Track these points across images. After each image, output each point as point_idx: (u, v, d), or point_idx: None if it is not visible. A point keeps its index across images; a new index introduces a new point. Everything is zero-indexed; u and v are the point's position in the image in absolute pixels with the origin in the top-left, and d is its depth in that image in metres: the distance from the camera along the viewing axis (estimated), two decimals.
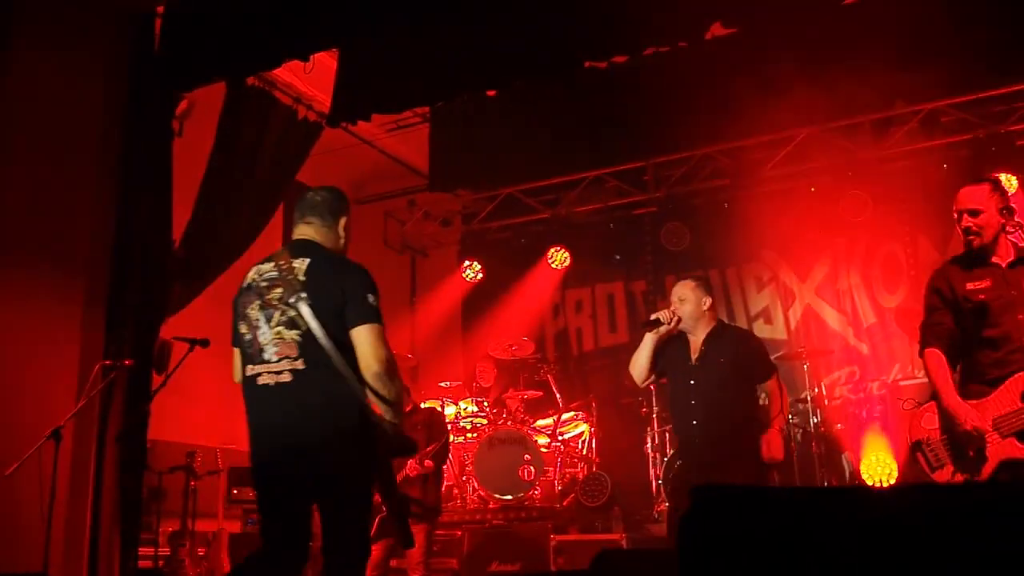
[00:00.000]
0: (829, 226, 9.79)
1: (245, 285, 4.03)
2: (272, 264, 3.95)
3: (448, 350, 11.37)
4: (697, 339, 5.36)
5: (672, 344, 5.45)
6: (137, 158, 7.07)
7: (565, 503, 8.52)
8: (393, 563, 6.71)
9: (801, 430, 8.19)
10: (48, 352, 6.39)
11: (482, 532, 7.97)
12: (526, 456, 8.37)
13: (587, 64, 7.09)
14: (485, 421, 9.01)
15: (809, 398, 8.30)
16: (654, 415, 8.72)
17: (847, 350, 9.91)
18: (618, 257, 11.00)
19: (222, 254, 7.62)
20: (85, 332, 6.62)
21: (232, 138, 7.66)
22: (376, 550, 6.47)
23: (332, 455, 3.75)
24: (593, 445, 8.98)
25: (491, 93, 8.82)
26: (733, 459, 5.08)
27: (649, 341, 5.39)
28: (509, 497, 8.31)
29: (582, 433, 9.11)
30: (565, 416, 9.08)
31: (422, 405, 7.50)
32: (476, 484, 8.48)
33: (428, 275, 12.38)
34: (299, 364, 3.76)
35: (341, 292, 3.85)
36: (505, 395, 9.21)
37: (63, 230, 6.63)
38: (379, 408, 3.74)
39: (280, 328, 3.80)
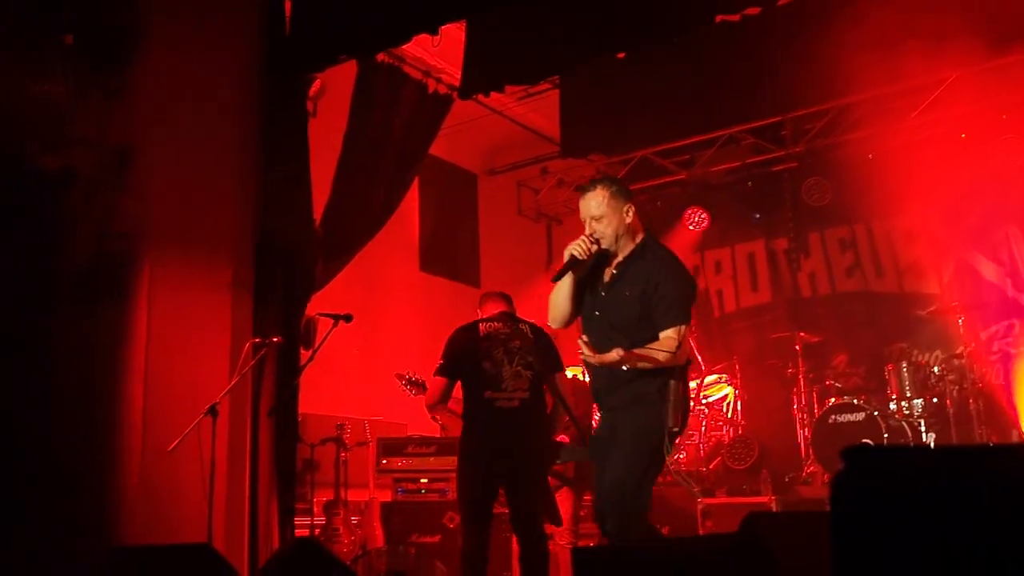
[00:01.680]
0: (982, 173, 9.31)
1: (483, 335, 5.66)
2: (502, 324, 5.67)
3: None
4: (617, 260, 4.39)
5: (594, 265, 4.45)
6: (275, 141, 7.26)
7: (711, 467, 8.42)
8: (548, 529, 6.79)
9: (957, 387, 7.86)
10: (201, 333, 6.64)
11: None
12: None
13: (719, 19, 6.90)
14: None
15: (965, 353, 7.95)
16: (800, 375, 8.52)
17: (1005, 302, 9.43)
18: (757, 216, 10.73)
19: (361, 230, 7.77)
20: (235, 312, 6.86)
21: (365, 115, 7.77)
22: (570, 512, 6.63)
23: (539, 457, 5.58)
24: (738, 408, 8.83)
25: (621, 55, 8.70)
26: (625, 416, 4.22)
27: (568, 279, 4.43)
28: None
29: (726, 396, 8.98)
30: (708, 379, 8.97)
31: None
32: None
33: (564, 242, 12.25)
34: (525, 395, 5.48)
35: (548, 348, 5.67)
36: None
37: (208, 215, 6.86)
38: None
39: (519, 368, 5.50)
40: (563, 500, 6.58)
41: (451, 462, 8.00)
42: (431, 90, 8.26)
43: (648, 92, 9.50)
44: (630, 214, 4.34)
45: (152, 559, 4.89)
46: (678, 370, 4.17)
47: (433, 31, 6.96)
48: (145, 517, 6.15)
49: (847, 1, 7.96)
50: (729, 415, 8.88)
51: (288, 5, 7.48)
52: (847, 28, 8.28)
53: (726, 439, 8.55)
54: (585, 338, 4.23)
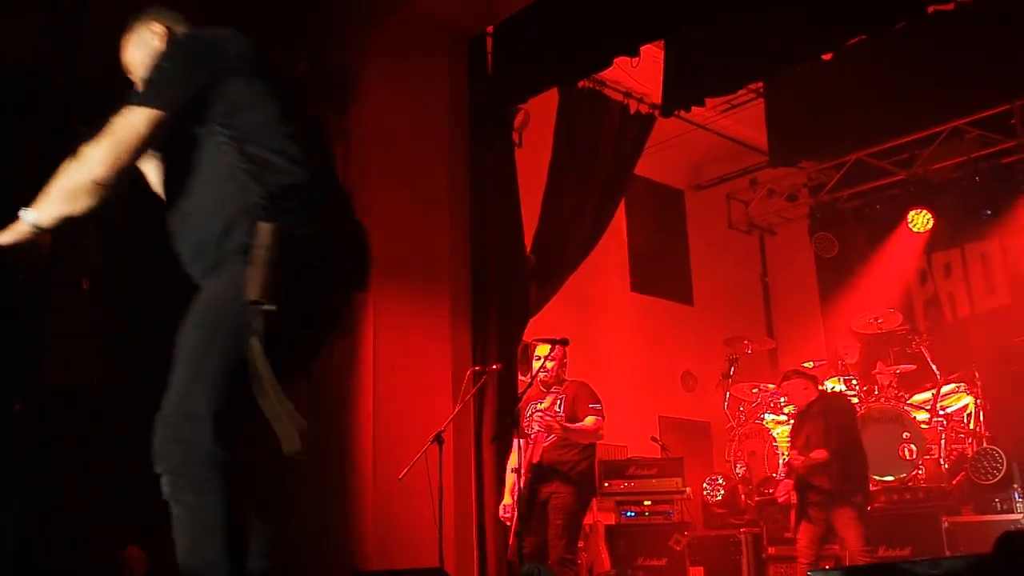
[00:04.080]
0: None
1: None
2: None
3: (807, 329, 10.99)
4: None
5: None
6: (484, 173, 7.47)
7: (954, 482, 7.92)
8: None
9: None
10: (423, 363, 6.88)
11: (866, 516, 7.61)
12: (905, 434, 7.89)
13: (931, 9, 6.56)
14: (856, 400, 8.60)
15: None
16: None
17: None
18: (988, 212, 10.08)
19: (572, 254, 7.85)
20: (454, 341, 7.08)
21: (569, 141, 7.87)
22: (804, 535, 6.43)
23: None
24: (981, 418, 8.28)
25: (827, 57, 8.41)
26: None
27: None
28: (890, 478, 7.86)
29: (966, 406, 8.42)
30: (945, 389, 8.44)
31: (822, 388, 7.34)
32: None
33: (778, 253, 12.03)
34: None
35: None
36: (874, 371, 8.74)
37: (425, 249, 7.12)
38: None
39: None
40: (843, 516, 6.38)
41: (674, 483, 7.94)
42: (632, 111, 8.27)
43: (858, 92, 9.11)
44: (158, 37, 2.92)
45: None
46: (261, 208, 2.57)
47: (633, 53, 6.98)
48: (380, 542, 6.40)
49: None
50: (971, 426, 8.33)
51: (489, 41, 7.69)
52: None
53: (969, 452, 8.02)
54: None
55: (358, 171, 7.03)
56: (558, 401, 6.10)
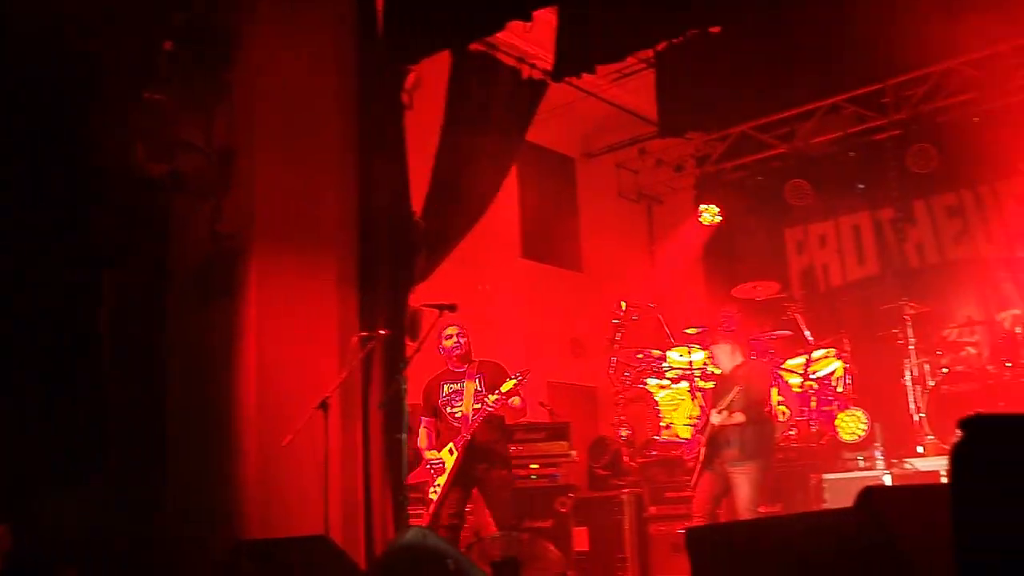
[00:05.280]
0: None
1: None
2: None
3: (691, 296, 11.22)
4: None
5: None
6: (373, 135, 7.37)
7: (822, 442, 8.26)
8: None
9: None
10: (309, 328, 6.79)
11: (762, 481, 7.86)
12: (779, 397, 8.19)
13: None
14: None
15: None
16: (911, 346, 8.29)
17: None
18: (861, 186, 10.45)
19: (462, 219, 7.82)
20: (341, 306, 6.99)
21: (461, 105, 7.81)
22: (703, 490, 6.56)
23: None
24: (848, 382, 8.63)
25: (715, 30, 8.54)
26: None
27: None
28: None
29: (835, 370, 8.76)
30: (816, 354, 8.76)
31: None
32: None
33: (665, 222, 12.23)
34: None
35: None
36: (751, 338, 8.99)
37: (311, 211, 7.00)
38: None
39: None
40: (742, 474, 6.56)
41: (561, 447, 8.06)
42: (525, 76, 8.24)
43: (744, 66, 9.28)
44: None
45: (273, 551, 5.03)
46: None
47: (526, 17, 6.97)
48: (264, 510, 6.33)
49: None
50: (839, 389, 8.67)
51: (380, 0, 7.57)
52: None
53: (836, 414, 8.37)
54: None
55: (242, 129, 6.86)
56: (477, 380, 6.29)
